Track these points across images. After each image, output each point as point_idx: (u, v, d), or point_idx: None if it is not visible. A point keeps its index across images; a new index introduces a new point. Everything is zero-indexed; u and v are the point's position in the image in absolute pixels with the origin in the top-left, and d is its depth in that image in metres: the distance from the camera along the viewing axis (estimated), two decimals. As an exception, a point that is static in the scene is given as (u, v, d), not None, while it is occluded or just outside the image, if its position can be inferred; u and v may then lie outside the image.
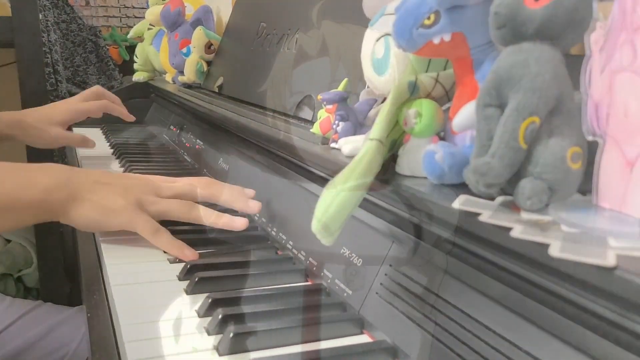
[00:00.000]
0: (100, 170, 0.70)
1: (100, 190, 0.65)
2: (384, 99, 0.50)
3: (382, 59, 0.52)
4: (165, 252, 0.64)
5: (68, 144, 1.11)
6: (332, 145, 0.55)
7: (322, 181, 0.59)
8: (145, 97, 1.48)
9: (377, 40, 0.53)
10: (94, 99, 1.12)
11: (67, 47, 1.77)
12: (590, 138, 0.35)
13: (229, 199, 0.69)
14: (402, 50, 0.45)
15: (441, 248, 0.43)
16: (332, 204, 0.40)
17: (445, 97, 0.48)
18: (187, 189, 0.69)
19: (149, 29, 1.51)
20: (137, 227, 0.64)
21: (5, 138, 1.04)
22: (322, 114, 0.57)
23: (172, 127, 1.25)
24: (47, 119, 1.05)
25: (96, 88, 1.14)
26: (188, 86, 1.26)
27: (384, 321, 0.46)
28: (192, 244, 0.64)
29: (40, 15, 1.53)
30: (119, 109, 1.14)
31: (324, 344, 0.46)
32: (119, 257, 0.64)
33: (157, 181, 0.69)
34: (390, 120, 0.44)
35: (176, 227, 0.67)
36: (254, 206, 0.69)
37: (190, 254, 0.63)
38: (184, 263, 0.60)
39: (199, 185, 0.70)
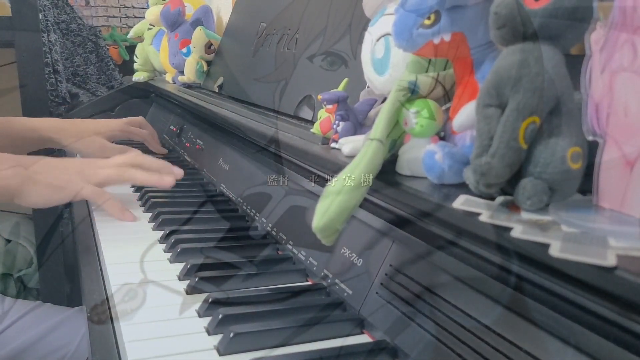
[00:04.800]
0: (44, 156, 0.81)
1: (47, 171, 0.76)
2: (384, 99, 0.50)
3: (382, 59, 0.52)
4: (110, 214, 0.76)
5: (114, 154, 1.13)
6: (332, 145, 0.55)
7: (322, 181, 0.59)
8: (145, 97, 1.48)
9: (377, 40, 0.53)
10: (136, 126, 1.16)
11: (67, 47, 1.77)
12: (590, 138, 0.35)
13: (155, 166, 0.81)
14: (402, 50, 0.45)
15: (441, 248, 0.43)
16: (332, 204, 0.40)
17: (445, 97, 0.48)
18: (121, 160, 0.80)
19: (149, 29, 1.51)
20: (85, 194, 0.75)
21: (48, 142, 1.09)
22: (322, 114, 0.57)
23: (172, 127, 1.25)
24: (94, 130, 1.09)
25: (141, 119, 1.19)
26: (188, 86, 1.26)
27: (384, 321, 0.46)
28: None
29: (40, 15, 1.53)
30: (155, 145, 1.19)
31: (324, 344, 0.46)
32: (119, 257, 0.64)
33: (94, 160, 0.82)
34: (390, 120, 0.44)
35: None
36: (178, 172, 0.81)
37: (130, 216, 0.76)
38: (184, 263, 0.60)
39: (130, 156, 0.82)
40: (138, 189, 0.91)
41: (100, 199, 0.76)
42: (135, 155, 0.83)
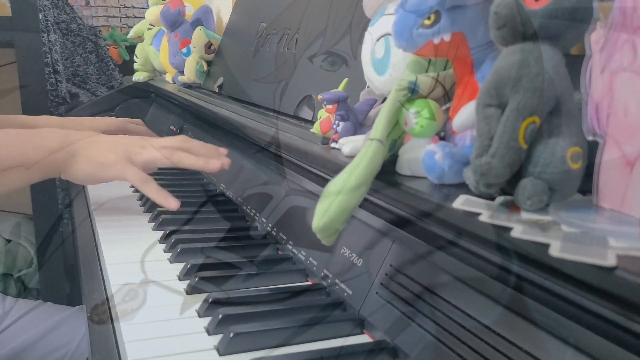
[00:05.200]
0: (91, 131, 0.82)
1: (94, 147, 0.76)
2: (384, 99, 0.50)
3: (382, 59, 0.52)
4: (153, 200, 0.76)
5: None
6: (332, 145, 0.55)
7: (322, 181, 0.59)
8: (145, 97, 1.48)
9: (377, 40, 0.53)
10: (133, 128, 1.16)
11: (67, 47, 1.77)
12: (590, 138, 0.35)
13: (203, 151, 0.80)
14: (402, 50, 0.45)
15: (441, 248, 0.43)
16: (332, 204, 0.40)
17: (445, 97, 0.48)
18: (168, 142, 0.80)
19: (149, 29, 1.51)
20: (128, 177, 0.75)
21: None
22: (322, 114, 0.57)
23: (172, 127, 1.25)
24: (91, 127, 1.09)
25: (139, 122, 1.19)
26: (188, 86, 1.26)
27: (384, 321, 0.46)
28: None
29: (40, 15, 1.53)
30: None
31: (324, 344, 0.46)
32: (119, 257, 0.64)
33: (141, 138, 0.82)
34: (390, 120, 0.44)
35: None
36: (226, 161, 0.79)
37: (174, 203, 0.73)
38: (184, 263, 0.60)
39: (177, 139, 0.81)
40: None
41: (142, 185, 0.75)
42: (183, 138, 0.82)
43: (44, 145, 0.74)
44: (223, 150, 0.81)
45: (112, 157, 0.75)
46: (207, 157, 0.78)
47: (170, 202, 0.73)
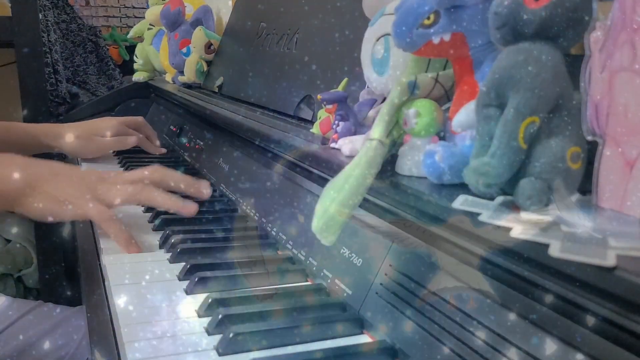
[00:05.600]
0: (56, 161, 0.75)
1: (55, 181, 0.68)
2: (384, 99, 0.50)
3: (382, 59, 0.52)
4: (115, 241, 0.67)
5: (111, 149, 1.13)
6: (332, 145, 0.55)
7: (322, 181, 0.59)
8: (145, 97, 1.48)
9: (377, 40, 0.53)
10: (133, 127, 1.13)
11: (67, 47, 1.77)
12: (590, 138, 0.35)
13: (178, 185, 0.72)
14: (402, 50, 0.45)
15: (441, 248, 0.43)
16: (332, 204, 0.40)
17: (445, 97, 0.48)
18: (139, 176, 0.72)
19: (149, 29, 1.51)
20: (90, 215, 0.67)
21: (50, 148, 1.07)
22: (322, 114, 0.57)
23: (172, 127, 1.25)
24: (90, 131, 1.08)
25: (140, 119, 1.16)
26: (188, 86, 1.26)
27: (384, 321, 0.46)
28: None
29: (40, 15, 1.53)
30: (150, 147, 1.15)
31: (324, 344, 0.46)
32: (119, 257, 0.64)
33: (110, 172, 0.73)
34: (390, 120, 0.44)
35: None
36: (206, 192, 0.72)
37: (135, 249, 0.65)
38: (184, 263, 0.60)
39: (149, 171, 0.72)
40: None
41: (105, 225, 0.67)
42: (157, 169, 0.73)
43: None
44: (204, 182, 0.75)
45: (72, 194, 0.67)
46: (184, 189, 0.72)
47: (132, 248, 0.65)
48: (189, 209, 0.69)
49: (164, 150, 1.18)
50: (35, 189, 0.67)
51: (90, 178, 0.70)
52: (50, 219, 0.69)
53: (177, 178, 0.73)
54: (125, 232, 0.66)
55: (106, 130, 1.09)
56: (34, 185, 0.67)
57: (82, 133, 1.08)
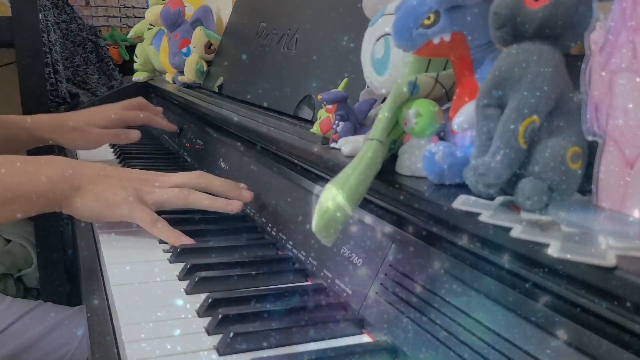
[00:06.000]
0: (100, 162, 0.74)
1: (102, 182, 0.68)
2: (384, 99, 0.50)
3: (382, 59, 0.52)
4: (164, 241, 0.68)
5: (109, 141, 1.10)
6: (332, 145, 0.55)
7: (322, 181, 0.59)
8: (145, 97, 1.48)
9: (377, 40, 0.53)
10: (135, 109, 1.11)
11: (67, 47, 1.77)
12: (590, 138, 0.35)
13: (222, 188, 0.73)
14: (402, 50, 0.45)
15: (441, 248, 0.43)
16: (332, 204, 0.40)
17: (445, 97, 0.48)
18: (183, 179, 0.72)
19: (149, 29, 1.51)
20: (136, 218, 0.67)
21: (44, 140, 1.05)
22: (322, 114, 0.57)
23: (172, 127, 1.25)
24: (86, 122, 1.05)
25: (140, 99, 1.14)
26: (188, 86, 1.26)
27: (384, 321, 0.46)
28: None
29: (40, 15, 1.53)
30: (161, 122, 1.14)
31: (324, 344, 0.46)
32: (119, 256, 0.64)
33: (154, 174, 0.73)
34: (390, 120, 0.44)
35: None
36: (247, 195, 0.73)
37: (187, 241, 0.66)
38: (184, 263, 0.60)
39: (193, 176, 0.73)
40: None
41: (152, 227, 0.67)
42: (200, 174, 0.74)
43: (45, 175, 0.66)
44: (243, 185, 0.75)
45: (120, 195, 0.67)
46: (227, 192, 0.72)
47: (183, 241, 0.66)
48: (235, 206, 0.70)
49: (174, 127, 1.15)
50: (81, 189, 0.67)
51: (137, 179, 0.71)
52: (96, 220, 0.71)
53: (219, 183, 0.73)
54: (174, 232, 0.67)
55: (105, 120, 1.05)
56: (79, 186, 0.67)
57: (78, 124, 1.04)
